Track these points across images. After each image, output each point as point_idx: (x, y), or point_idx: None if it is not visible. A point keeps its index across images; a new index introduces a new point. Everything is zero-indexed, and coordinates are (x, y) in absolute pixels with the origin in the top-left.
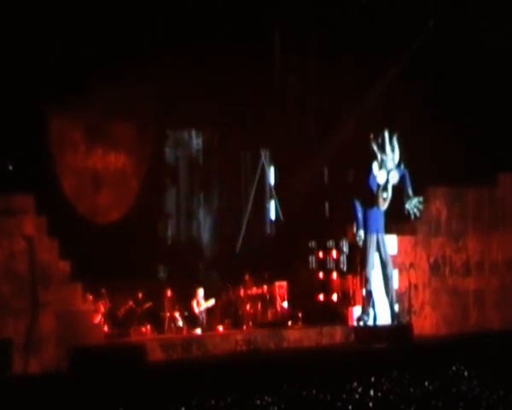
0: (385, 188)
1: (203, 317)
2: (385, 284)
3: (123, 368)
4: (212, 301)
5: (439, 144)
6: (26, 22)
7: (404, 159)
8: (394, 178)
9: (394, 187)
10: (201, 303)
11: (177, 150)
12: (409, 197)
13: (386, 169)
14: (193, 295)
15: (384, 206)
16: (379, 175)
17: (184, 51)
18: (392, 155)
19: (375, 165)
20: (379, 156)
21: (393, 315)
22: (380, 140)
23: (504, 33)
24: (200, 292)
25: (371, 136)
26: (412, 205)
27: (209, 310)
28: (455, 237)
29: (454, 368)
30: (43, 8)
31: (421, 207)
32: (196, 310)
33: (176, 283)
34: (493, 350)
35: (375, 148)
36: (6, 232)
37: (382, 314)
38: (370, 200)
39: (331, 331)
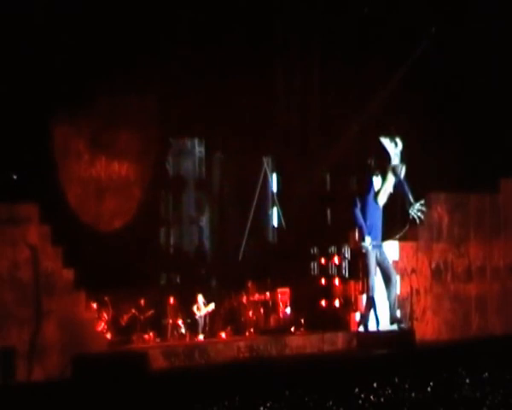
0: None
1: (203, 323)
2: (388, 289)
3: (126, 375)
4: (211, 306)
5: (441, 150)
6: (30, 33)
7: (406, 164)
8: (403, 172)
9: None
10: (202, 309)
11: (179, 158)
12: (411, 204)
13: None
14: (194, 301)
15: (384, 199)
16: (402, 171)
17: (186, 59)
18: (396, 150)
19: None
20: (393, 151)
21: (392, 320)
22: (391, 136)
23: (505, 37)
24: (200, 298)
25: (381, 136)
26: (415, 210)
27: (211, 317)
28: (456, 243)
29: (456, 373)
30: (46, 19)
31: (424, 209)
32: (197, 315)
33: (178, 290)
34: (495, 355)
35: (386, 143)
36: (10, 241)
37: (385, 320)
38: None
39: (333, 337)
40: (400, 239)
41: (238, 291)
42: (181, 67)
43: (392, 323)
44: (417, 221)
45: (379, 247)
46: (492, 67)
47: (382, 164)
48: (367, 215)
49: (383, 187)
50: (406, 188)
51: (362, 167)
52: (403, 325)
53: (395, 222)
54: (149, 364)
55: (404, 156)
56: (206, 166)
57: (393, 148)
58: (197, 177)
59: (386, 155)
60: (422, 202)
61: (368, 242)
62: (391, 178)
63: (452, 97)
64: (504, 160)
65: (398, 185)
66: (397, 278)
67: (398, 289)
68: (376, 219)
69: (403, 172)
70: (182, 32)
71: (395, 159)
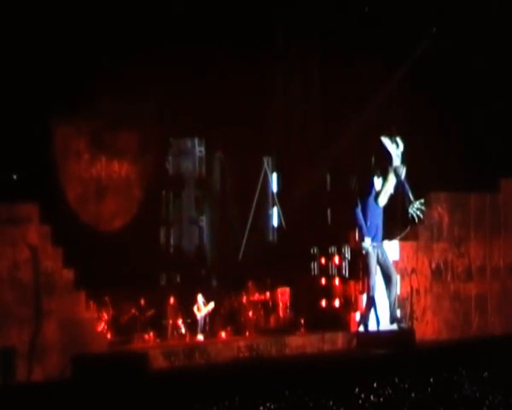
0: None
1: (203, 323)
2: (389, 289)
3: (126, 375)
4: (211, 305)
5: (441, 150)
6: (31, 33)
7: (406, 164)
8: (403, 173)
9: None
10: (202, 309)
11: (179, 158)
12: (410, 202)
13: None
14: (194, 301)
15: (385, 200)
16: (402, 172)
17: (186, 59)
18: (398, 151)
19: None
20: (394, 151)
21: (392, 319)
22: (391, 136)
23: (506, 37)
24: (200, 298)
25: (382, 136)
26: (415, 208)
27: (211, 317)
28: (457, 243)
29: (456, 373)
30: (47, 19)
31: (423, 208)
32: (198, 316)
33: (178, 290)
34: (495, 355)
35: (387, 143)
36: (10, 241)
37: (385, 320)
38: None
39: (333, 337)
40: (401, 239)
41: (238, 291)
42: (181, 67)
43: (392, 322)
44: (416, 220)
45: (380, 246)
46: (493, 66)
47: (383, 165)
48: (367, 216)
49: (384, 188)
50: (407, 188)
51: (363, 168)
52: (403, 325)
53: (396, 222)
54: (149, 364)
55: (405, 157)
56: (207, 165)
57: (395, 149)
58: (197, 177)
59: (387, 156)
60: (422, 200)
61: (368, 242)
62: (392, 179)
63: (452, 97)
64: (504, 159)
65: (398, 186)
66: (397, 278)
67: (398, 288)
68: (377, 219)
69: (403, 173)
70: (182, 31)
71: (396, 160)
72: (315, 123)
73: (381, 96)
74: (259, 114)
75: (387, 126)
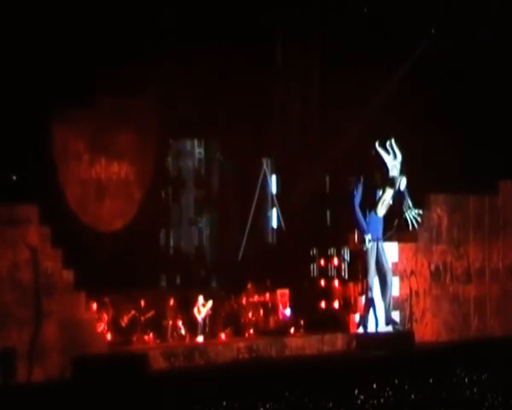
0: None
1: (203, 325)
2: (383, 290)
3: (126, 376)
4: (209, 303)
5: (440, 152)
6: (29, 34)
7: (405, 166)
8: (403, 183)
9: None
10: (201, 310)
11: (179, 160)
12: (409, 208)
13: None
14: (194, 303)
15: (383, 211)
16: (401, 183)
17: (185, 60)
18: (395, 162)
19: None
20: (390, 163)
21: (387, 321)
22: (387, 146)
23: (505, 40)
24: (200, 299)
25: (377, 143)
26: (411, 215)
27: (211, 318)
28: (456, 245)
29: (455, 375)
30: (46, 20)
31: (419, 219)
32: (198, 318)
33: (178, 291)
34: (494, 357)
35: (384, 154)
36: (10, 242)
37: (382, 321)
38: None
39: (332, 339)
40: (387, 238)
41: (238, 292)
42: (181, 68)
43: (387, 324)
44: (410, 227)
45: (379, 241)
46: (491, 69)
47: (381, 176)
48: (367, 225)
49: (381, 199)
50: (407, 197)
51: (362, 171)
52: (398, 327)
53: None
54: (149, 365)
55: (404, 168)
56: (206, 167)
57: (391, 159)
58: (197, 178)
59: (384, 167)
60: (420, 211)
61: (367, 240)
62: (389, 190)
63: (452, 99)
64: (503, 161)
65: (398, 196)
66: (392, 279)
67: (393, 290)
68: (376, 228)
69: (403, 183)
70: (182, 32)
71: (393, 170)
72: (314, 124)
73: (381, 97)
74: (259, 115)
75: (385, 132)
